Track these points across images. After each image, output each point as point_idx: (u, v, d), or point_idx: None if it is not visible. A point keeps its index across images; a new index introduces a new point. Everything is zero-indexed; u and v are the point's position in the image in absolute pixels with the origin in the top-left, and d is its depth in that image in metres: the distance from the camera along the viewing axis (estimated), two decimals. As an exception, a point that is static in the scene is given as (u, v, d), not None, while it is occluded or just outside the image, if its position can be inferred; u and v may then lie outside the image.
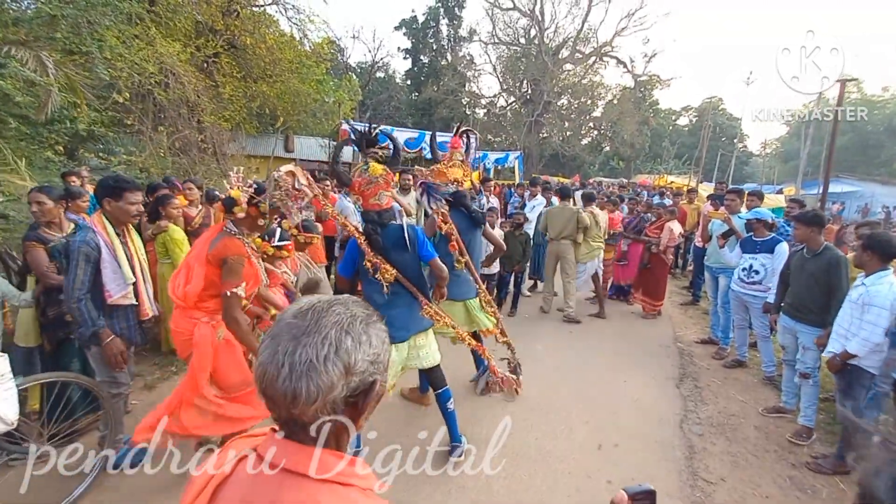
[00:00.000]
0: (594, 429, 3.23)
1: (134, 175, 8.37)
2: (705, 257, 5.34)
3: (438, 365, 2.77)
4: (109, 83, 8.04)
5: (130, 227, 2.64)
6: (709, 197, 7.06)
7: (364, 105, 29.61)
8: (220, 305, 2.28)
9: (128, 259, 2.48)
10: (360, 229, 2.60)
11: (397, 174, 2.82)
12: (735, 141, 34.40)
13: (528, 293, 6.67)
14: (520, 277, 6.00)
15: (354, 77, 21.50)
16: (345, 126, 11.63)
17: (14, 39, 4.07)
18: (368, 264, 2.51)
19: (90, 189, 4.63)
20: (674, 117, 41.07)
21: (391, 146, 2.78)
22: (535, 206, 6.79)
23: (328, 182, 5.98)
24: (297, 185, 2.36)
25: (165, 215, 3.76)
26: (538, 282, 7.09)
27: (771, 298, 3.87)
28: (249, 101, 12.32)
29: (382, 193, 2.52)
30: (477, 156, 13.81)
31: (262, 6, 13.09)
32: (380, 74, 33.64)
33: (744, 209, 5.03)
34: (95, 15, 5.52)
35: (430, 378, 2.81)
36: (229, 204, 2.31)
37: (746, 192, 5.38)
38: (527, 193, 7.75)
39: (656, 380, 4.05)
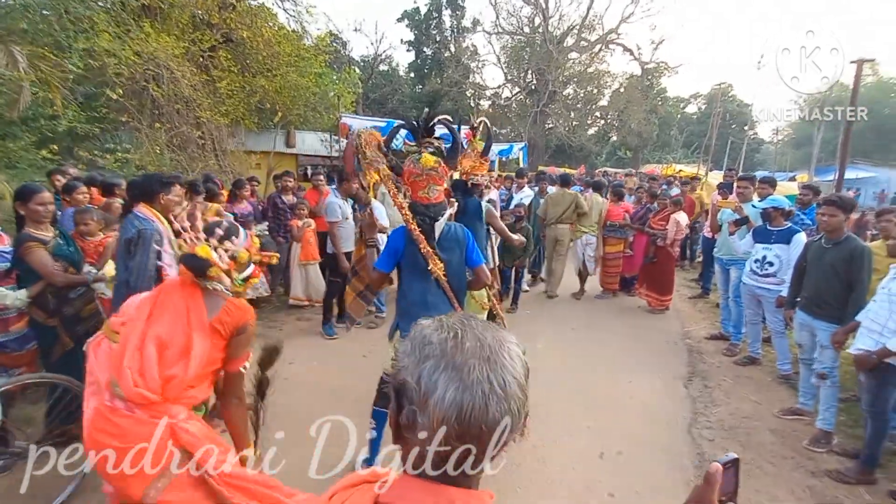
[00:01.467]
0: (596, 434, 3.03)
1: (130, 173, 8.25)
2: (715, 248, 5.11)
3: None
4: (103, 80, 7.93)
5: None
6: (718, 185, 6.78)
7: (367, 98, 29.43)
8: (208, 390, 1.84)
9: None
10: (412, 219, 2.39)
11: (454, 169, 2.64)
12: (746, 128, 33.63)
13: (528, 288, 6.46)
14: (520, 272, 5.78)
15: (356, 70, 21.26)
16: (344, 120, 11.43)
17: None
18: (423, 252, 2.32)
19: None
20: (682, 105, 40.27)
21: (450, 138, 2.59)
22: (523, 199, 6.57)
23: (321, 176, 5.84)
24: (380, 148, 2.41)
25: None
26: (539, 277, 6.89)
27: (786, 292, 3.63)
28: (248, 96, 12.16)
29: (433, 187, 2.39)
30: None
31: (260, -1, 12.88)
32: (383, 67, 33.30)
33: (755, 197, 4.78)
34: (75, 5, 5.36)
35: None
36: (199, 267, 1.77)
37: (758, 179, 5.11)
38: (514, 186, 7.49)
39: (663, 379, 3.84)
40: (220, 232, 1.85)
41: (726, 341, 4.74)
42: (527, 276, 6.59)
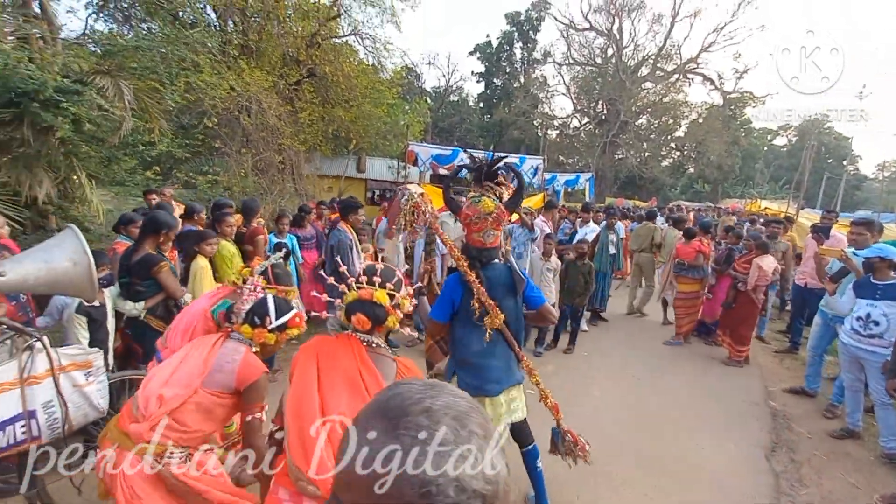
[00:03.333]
0: (657, 504, 2.73)
1: (217, 193, 9.06)
2: (822, 301, 4.48)
3: (525, 419, 2.50)
4: (202, 112, 8.87)
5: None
6: (812, 228, 6.06)
7: (437, 127, 30.39)
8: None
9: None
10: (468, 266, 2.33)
11: (513, 212, 2.60)
12: (845, 163, 30.47)
13: (587, 328, 6.11)
14: (580, 311, 5.50)
15: (428, 100, 22.11)
16: (411, 147, 11.86)
17: (99, 69, 4.55)
18: (477, 305, 2.24)
19: (177, 209, 4.96)
20: (769, 137, 37.44)
21: (514, 181, 2.53)
22: (588, 234, 6.33)
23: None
24: (424, 207, 2.46)
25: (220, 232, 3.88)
26: (601, 314, 6.57)
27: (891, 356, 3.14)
28: (326, 125, 13.02)
29: (489, 231, 2.33)
30: (545, 178, 13.38)
31: (343, 37, 13.89)
32: (453, 98, 34.44)
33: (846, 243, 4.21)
34: (179, 49, 6.14)
35: (517, 434, 2.50)
36: (377, 317, 1.57)
37: (879, 226, 4.38)
38: (578, 220, 7.25)
39: (740, 448, 3.40)
40: (378, 277, 1.60)
41: (809, 398, 4.24)
42: (586, 315, 6.27)
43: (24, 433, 2.12)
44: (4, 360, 2.16)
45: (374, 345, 1.57)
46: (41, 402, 2.17)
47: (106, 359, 2.66)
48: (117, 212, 4.98)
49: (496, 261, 2.38)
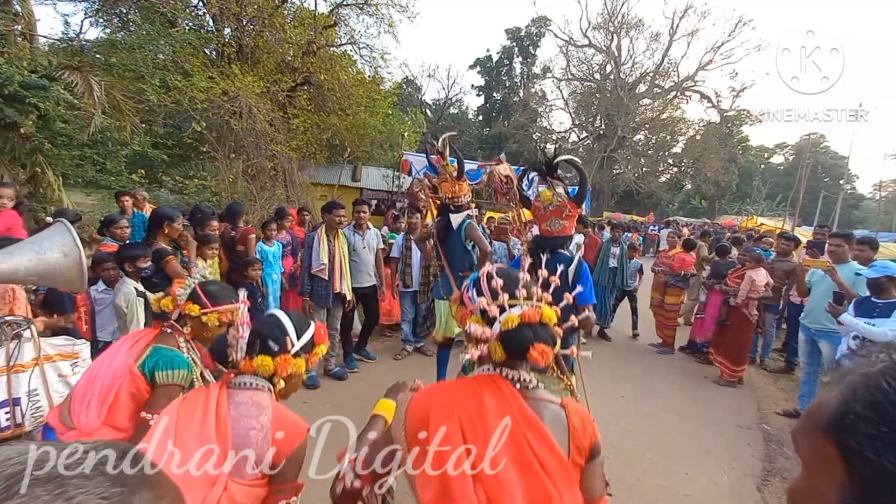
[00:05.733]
0: (639, 537, 2.50)
1: (205, 198, 8.90)
2: (802, 315, 4.39)
3: None
4: (190, 115, 8.74)
5: (339, 232, 4.15)
6: (807, 244, 5.95)
7: (436, 139, 30.36)
8: None
9: (330, 252, 4.02)
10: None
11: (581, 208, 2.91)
12: (841, 182, 30.55)
13: (585, 341, 5.90)
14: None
15: (427, 112, 22.13)
16: (406, 157, 11.77)
17: (69, 64, 4.40)
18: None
19: (148, 209, 4.86)
20: (766, 155, 37.64)
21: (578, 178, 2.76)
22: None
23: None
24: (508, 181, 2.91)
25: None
26: (604, 333, 6.40)
27: None
28: (321, 133, 12.92)
29: (555, 220, 2.61)
30: (538, 190, 13.25)
31: (340, 45, 13.88)
32: (453, 111, 34.60)
33: (853, 261, 4.08)
34: (159, 46, 6.03)
35: None
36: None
37: (856, 238, 4.39)
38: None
39: (730, 475, 3.16)
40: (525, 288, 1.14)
41: None
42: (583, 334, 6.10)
43: (7, 420, 2.22)
44: (-8, 348, 2.23)
45: (530, 386, 1.08)
46: (26, 390, 2.25)
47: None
48: (103, 214, 4.86)
49: (563, 251, 2.60)
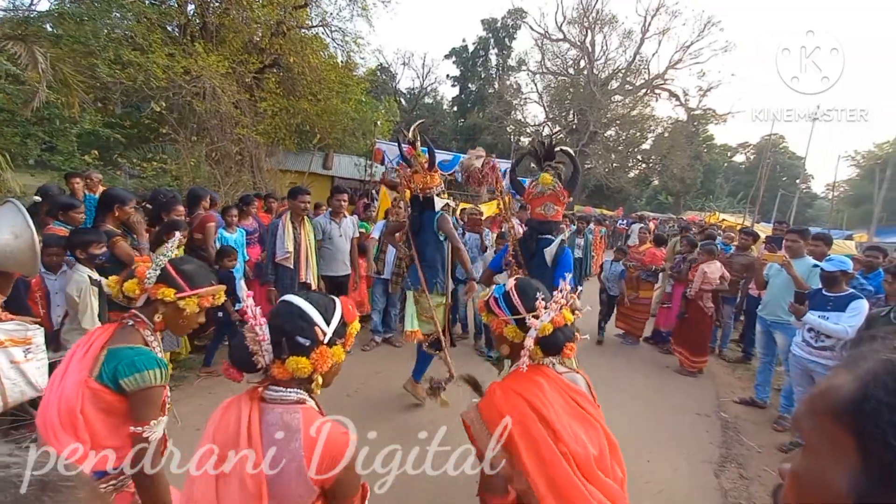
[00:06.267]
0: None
1: (166, 183, 8.46)
2: (759, 307, 4.55)
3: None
4: (148, 94, 8.27)
5: (305, 219, 4.05)
6: (766, 239, 6.18)
7: (409, 128, 30.07)
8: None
9: (295, 240, 3.91)
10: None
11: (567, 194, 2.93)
12: (798, 182, 32.09)
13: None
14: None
15: (401, 101, 21.80)
16: (379, 146, 11.51)
17: (12, 34, 4.05)
18: (510, 258, 2.77)
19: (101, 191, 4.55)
20: (729, 153, 39.06)
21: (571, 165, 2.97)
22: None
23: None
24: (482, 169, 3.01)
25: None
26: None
27: None
28: (291, 117, 12.50)
29: (549, 205, 2.69)
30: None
31: (311, 27, 13.42)
32: (427, 100, 34.27)
33: (807, 256, 4.25)
34: (111, 17, 5.63)
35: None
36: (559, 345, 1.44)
37: (811, 234, 4.57)
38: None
39: (689, 462, 3.25)
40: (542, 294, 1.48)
41: (760, 409, 4.24)
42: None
43: (-42, 407, 2.05)
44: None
45: (558, 367, 1.45)
46: None
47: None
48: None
49: (552, 236, 2.69)
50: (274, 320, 1.13)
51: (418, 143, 3.42)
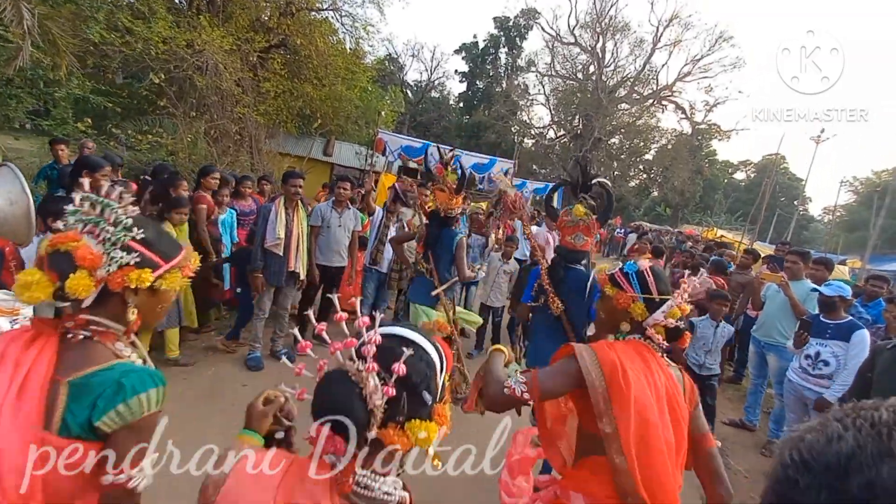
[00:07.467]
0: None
1: (160, 157, 8.25)
2: (754, 327, 4.47)
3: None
4: (148, 65, 8.05)
5: (298, 204, 3.87)
6: (767, 258, 6.09)
7: (414, 120, 29.89)
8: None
9: (287, 226, 3.75)
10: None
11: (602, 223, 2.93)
12: (796, 203, 32.25)
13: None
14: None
15: (408, 93, 21.60)
16: (381, 136, 11.32)
17: None
18: (537, 288, 2.75)
19: None
20: (731, 170, 39.19)
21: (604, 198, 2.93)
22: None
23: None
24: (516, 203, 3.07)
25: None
26: None
27: (831, 396, 3.05)
28: (294, 101, 12.28)
29: (579, 235, 2.72)
30: (514, 184, 13.18)
31: (321, 10, 13.18)
32: (434, 94, 34.03)
33: (807, 280, 4.17)
34: None
35: None
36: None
37: (812, 258, 4.48)
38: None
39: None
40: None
41: (749, 431, 4.18)
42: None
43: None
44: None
45: (661, 353, 1.44)
46: None
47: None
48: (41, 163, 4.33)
49: (582, 266, 2.73)
50: (383, 362, 0.76)
51: (452, 166, 3.48)
